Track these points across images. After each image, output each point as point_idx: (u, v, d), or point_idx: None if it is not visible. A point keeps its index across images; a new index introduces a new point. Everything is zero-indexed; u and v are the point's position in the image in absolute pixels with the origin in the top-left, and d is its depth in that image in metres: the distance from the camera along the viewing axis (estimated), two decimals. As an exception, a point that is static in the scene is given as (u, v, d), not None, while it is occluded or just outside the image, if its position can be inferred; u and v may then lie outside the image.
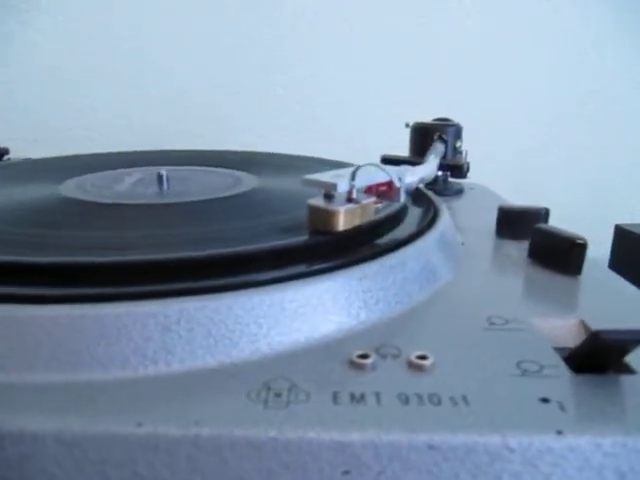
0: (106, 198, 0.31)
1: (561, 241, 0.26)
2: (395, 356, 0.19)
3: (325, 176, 0.24)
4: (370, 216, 0.25)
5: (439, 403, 0.17)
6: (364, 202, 0.24)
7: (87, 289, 0.19)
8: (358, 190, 0.24)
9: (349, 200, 0.24)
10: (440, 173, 0.41)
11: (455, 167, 0.38)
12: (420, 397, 0.17)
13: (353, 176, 0.23)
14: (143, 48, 0.62)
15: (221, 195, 0.31)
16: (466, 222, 0.35)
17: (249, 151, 0.46)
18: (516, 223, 0.31)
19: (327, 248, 0.23)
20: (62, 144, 0.60)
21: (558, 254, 0.26)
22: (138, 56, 0.62)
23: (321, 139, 0.63)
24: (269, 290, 0.20)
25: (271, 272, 0.21)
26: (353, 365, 0.18)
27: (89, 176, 0.37)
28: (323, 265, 0.22)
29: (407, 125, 0.42)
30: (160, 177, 0.33)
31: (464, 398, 0.17)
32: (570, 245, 0.26)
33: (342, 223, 0.23)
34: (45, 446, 0.15)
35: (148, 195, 0.31)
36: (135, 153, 0.46)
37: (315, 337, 0.20)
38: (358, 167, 0.23)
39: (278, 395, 0.17)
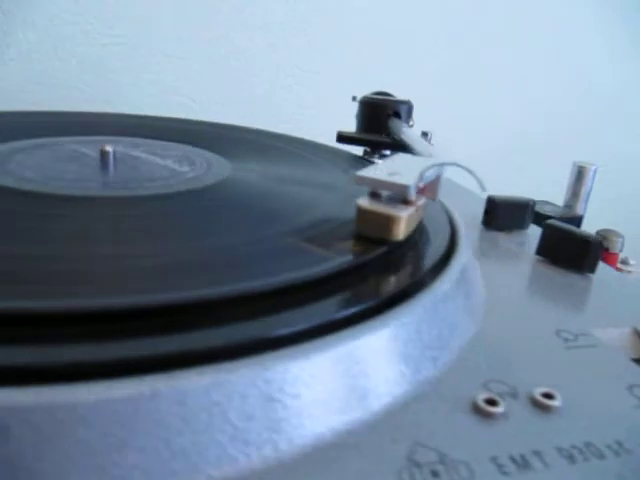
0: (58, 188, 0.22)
1: (577, 239, 0.26)
2: (513, 395, 0.17)
3: (379, 173, 0.20)
4: (419, 219, 0.21)
5: (602, 457, 0.15)
6: (419, 203, 0.20)
7: (137, 346, 0.13)
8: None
9: (405, 202, 0.20)
10: (388, 152, 0.39)
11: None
12: (580, 450, 0.15)
13: (421, 176, 0.19)
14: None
15: (202, 185, 0.24)
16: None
17: (208, 122, 0.38)
18: (506, 214, 0.30)
19: (392, 263, 0.19)
20: None
21: (573, 252, 0.26)
22: None
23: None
24: (374, 326, 0.16)
25: (361, 299, 0.17)
26: (481, 413, 0.15)
27: (5, 147, 0.27)
28: (408, 286, 0.18)
29: (354, 99, 0.38)
30: (105, 155, 0.25)
31: (620, 445, 0.15)
32: (588, 244, 0.25)
33: (403, 230, 0.19)
34: None
35: (101, 182, 0.24)
36: (62, 114, 0.35)
37: (420, 380, 0.16)
38: (420, 164, 0.19)
39: (435, 474, 0.13)
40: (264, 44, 0.55)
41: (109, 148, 0.25)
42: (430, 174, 0.20)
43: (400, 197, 0.20)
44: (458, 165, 0.19)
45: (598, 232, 0.50)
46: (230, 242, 0.19)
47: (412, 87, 0.43)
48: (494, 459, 0.14)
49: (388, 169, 0.20)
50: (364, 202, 0.20)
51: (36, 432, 0.11)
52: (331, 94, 0.57)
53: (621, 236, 0.49)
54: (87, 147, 0.27)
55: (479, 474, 0.13)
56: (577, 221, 0.51)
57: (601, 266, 0.27)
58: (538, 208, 0.53)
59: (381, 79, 0.45)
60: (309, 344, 0.14)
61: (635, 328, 0.21)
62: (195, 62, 0.54)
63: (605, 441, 0.15)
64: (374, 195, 0.20)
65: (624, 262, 0.50)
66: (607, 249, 0.49)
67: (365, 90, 0.40)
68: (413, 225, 0.20)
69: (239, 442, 0.13)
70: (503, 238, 0.29)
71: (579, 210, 0.52)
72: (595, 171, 0.51)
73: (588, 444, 0.15)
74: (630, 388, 0.18)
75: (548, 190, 0.55)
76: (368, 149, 0.38)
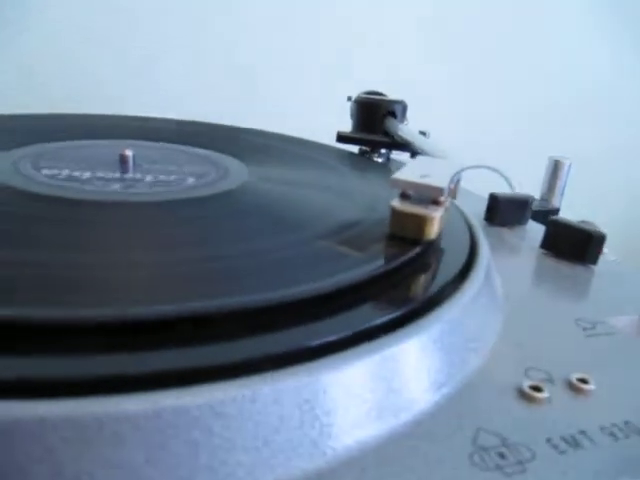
0: (75, 192, 0.22)
1: (580, 233, 0.27)
2: (550, 381, 0.18)
3: (412, 175, 0.21)
4: (446, 219, 0.22)
5: (640, 433, 0.16)
6: (447, 204, 0.22)
7: (235, 350, 0.13)
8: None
9: (435, 203, 0.21)
10: (383, 151, 0.40)
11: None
12: (620, 428, 0.16)
13: (452, 179, 0.20)
14: None
15: (222, 190, 0.25)
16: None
17: (221, 125, 0.38)
18: (507, 210, 0.31)
19: (426, 261, 0.20)
20: None
21: (576, 245, 0.27)
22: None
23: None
24: (424, 325, 0.17)
25: (409, 301, 0.18)
26: (528, 399, 0.17)
27: (27, 150, 0.26)
28: (447, 284, 0.19)
29: (349, 99, 0.39)
30: (124, 159, 0.25)
31: (653, 422, 0.17)
32: (590, 237, 0.27)
33: (436, 230, 0.21)
34: None
35: (128, 186, 0.24)
36: (73, 117, 0.35)
37: (468, 371, 0.18)
38: (452, 167, 0.21)
39: (502, 456, 0.14)
40: (248, 42, 0.56)
41: (128, 152, 0.25)
42: (457, 176, 0.21)
43: (429, 198, 0.21)
44: (488, 167, 0.20)
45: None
46: (270, 247, 0.20)
47: (393, 86, 0.44)
48: (549, 440, 0.15)
49: (419, 172, 0.21)
50: (397, 204, 0.21)
51: (147, 436, 0.12)
52: (315, 94, 0.58)
53: (599, 227, 0.52)
54: (103, 151, 0.28)
55: (539, 454, 0.15)
56: (553, 214, 0.54)
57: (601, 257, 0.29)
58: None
59: (364, 79, 0.46)
60: (376, 343, 0.15)
61: (641, 315, 0.23)
62: (177, 60, 0.54)
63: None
64: (404, 197, 0.21)
65: (599, 251, 0.53)
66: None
67: (350, 90, 0.40)
68: (442, 225, 0.22)
69: (326, 436, 0.14)
70: (507, 233, 0.31)
71: (555, 203, 0.54)
72: (570, 165, 0.53)
73: (627, 422, 0.16)
74: (650, 370, 0.19)
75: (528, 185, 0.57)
76: (366, 148, 0.39)
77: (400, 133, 0.34)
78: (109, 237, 0.19)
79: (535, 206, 0.51)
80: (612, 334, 0.22)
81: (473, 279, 0.20)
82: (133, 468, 0.12)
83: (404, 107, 0.39)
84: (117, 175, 0.25)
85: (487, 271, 0.22)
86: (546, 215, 0.56)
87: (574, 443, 0.15)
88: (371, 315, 0.16)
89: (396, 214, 0.21)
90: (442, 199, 0.21)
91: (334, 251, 0.20)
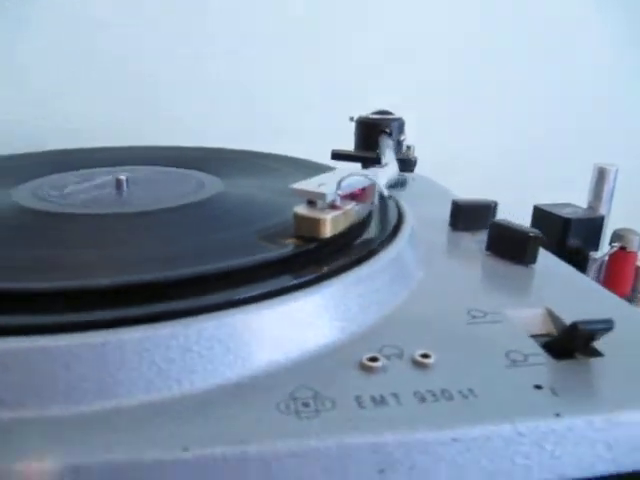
0: (70, 207, 0.30)
1: (518, 234, 0.29)
2: (398, 356, 0.21)
3: (311, 185, 0.25)
4: (351, 220, 0.26)
5: (451, 398, 0.18)
6: (346, 208, 0.25)
7: (96, 314, 0.19)
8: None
9: (333, 207, 0.25)
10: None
11: (405, 161, 0.40)
12: (434, 394, 0.19)
13: (339, 185, 0.24)
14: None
15: (190, 200, 0.31)
16: (417, 212, 0.37)
17: (209, 147, 0.46)
18: (469, 216, 0.33)
19: (319, 256, 0.24)
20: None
21: (515, 246, 0.29)
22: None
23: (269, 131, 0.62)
24: (279, 302, 0.21)
25: (276, 282, 0.22)
26: (364, 368, 0.20)
27: (42, 180, 0.35)
28: (321, 273, 0.23)
29: (351, 119, 0.43)
30: (119, 182, 0.32)
31: (471, 391, 0.19)
32: (526, 238, 0.29)
33: (329, 230, 0.24)
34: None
35: (114, 202, 0.31)
36: (85, 151, 0.44)
37: (324, 343, 0.21)
38: (341, 176, 0.24)
39: (306, 405, 0.18)
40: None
41: (122, 176, 0.32)
42: (348, 184, 0.25)
43: (330, 203, 0.25)
44: (366, 176, 0.23)
45: (615, 231, 0.51)
46: (204, 241, 0.25)
47: (417, 103, 0.46)
48: (357, 398, 0.18)
49: (320, 181, 0.25)
50: (299, 209, 0.25)
51: (21, 366, 0.17)
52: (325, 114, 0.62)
53: (638, 234, 0.50)
54: (104, 176, 0.35)
55: (340, 406, 0.18)
56: (599, 221, 0.52)
57: (549, 258, 0.31)
58: (557, 211, 0.55)
59: (372, 98, 0.49)
60: (226, 311, 0.20)
61: (547, 308, 0.25)
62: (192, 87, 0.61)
63: (458, 388, 0.19)
64: (310, 202, 0.25)
65: (645, 260, 0.51)
66: (624, 248, 0.50)
67: (358, 108, 0.44)
68: (342, 225, 0.25)
69: (163, 377, 0.18)
70: (466, 238, 0.33)
71: (602, 211, 0.53)
72: (616, 172, 0.52)
73: (443, 390, 0.19)
74: (508, 353, 0.21)
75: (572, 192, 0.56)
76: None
77: (378, 150, 0.37)
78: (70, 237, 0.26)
79: (581, 214, 0.51)
80: (498, 322, 0.23)
81: (357, 269, 0.24)
82: (11, 385, 0.17)
83: (400, 124, 0.42)
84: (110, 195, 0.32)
85: (391, 262, 0.25)
86: (591, 223, 0.55)
87: (380, 401, 0.18)
88: (228, 292, 0.21)
89: (296, 217, 0.25)
90: (337, 204, 0.25)
91: (254, 244, 0.25)
